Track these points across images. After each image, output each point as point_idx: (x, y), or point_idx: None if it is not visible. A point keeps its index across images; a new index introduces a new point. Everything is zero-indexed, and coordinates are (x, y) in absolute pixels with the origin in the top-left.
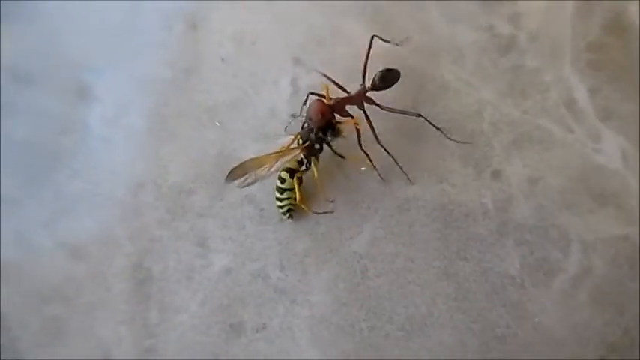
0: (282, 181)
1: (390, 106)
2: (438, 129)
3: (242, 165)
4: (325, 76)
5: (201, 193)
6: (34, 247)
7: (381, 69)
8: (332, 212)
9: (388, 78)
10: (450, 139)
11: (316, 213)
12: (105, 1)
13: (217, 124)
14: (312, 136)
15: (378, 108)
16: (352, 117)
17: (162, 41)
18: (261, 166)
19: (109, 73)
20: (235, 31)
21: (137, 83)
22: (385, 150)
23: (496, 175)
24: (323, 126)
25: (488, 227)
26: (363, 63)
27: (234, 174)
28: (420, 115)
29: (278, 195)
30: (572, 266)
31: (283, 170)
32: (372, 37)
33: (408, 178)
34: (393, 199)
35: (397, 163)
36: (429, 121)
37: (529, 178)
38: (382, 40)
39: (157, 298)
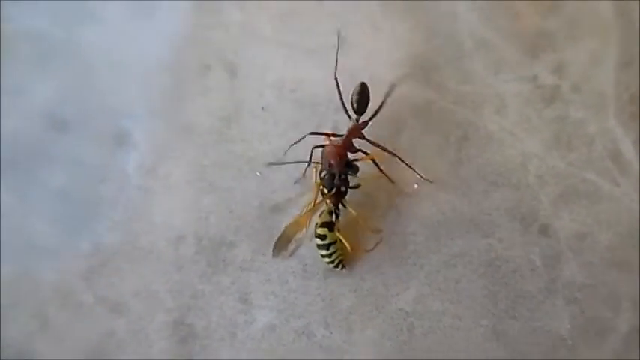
0: (323, 237)
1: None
2: (414, 171)
3: (283, 235)
4: (313, 134)
5: (242, 246)
6: (74, 301)
7: (351, 93)
8: (381, 239)
9: (362, 98)
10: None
11: (369, 250)
12: (143, 45)
13: (258, 174)
14: (337, 181)
15: None
16: (365, 152)
17: (201, 89)
18: (298, 229)
19: (147, 120)
20: (275, 79)
21: (176, 131)
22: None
23: (544, 229)
24: (344, 167)
25: (537, 284)
26: (339, 100)
27: (280, 247)
28: (395, 155)
29: (324, 252)
30: (623, 325)
31: (319, 227)
32: (337, 79)
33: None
34: (439, 255)
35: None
36: (403, 161)
37: (577, 234)
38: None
39: (200, 356)
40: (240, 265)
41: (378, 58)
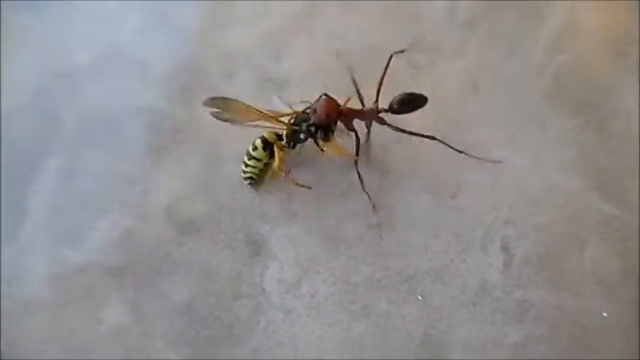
0: (255, 148)
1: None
2: (458, 151)
3: (227, 100)
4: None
5: None
6: None
7: (403, 92)
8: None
9: (408, 102)
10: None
11: (297, 184)
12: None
13: (419, 297)
14: (304, 126)
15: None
16: (356, 132)
17: (347, 190)
18: (242, 114)
19: (286, 224)
20: (430, 181)
21: (321, 239)
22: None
23: None
24: (321, 125)
25: None
26: (380, 78)
27: (216, 104)
28: (434, 138)
29: (246, 159)
30: None
31: (259, 138)
32: (391, 55)
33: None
34: None
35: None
36: (445, 143)
37: None
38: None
39: None
40: None
41: (547, 159)
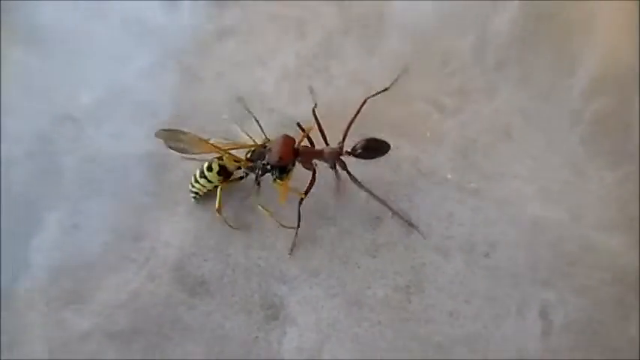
0: (209, 168)
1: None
2: (410, 224)
3: (178, 133)
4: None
5: None
6: None
7: (368, 137)
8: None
9: (372, 148)
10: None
11: (218, 212)
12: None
13: None
14: (259, 162)
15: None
16: (315, 171)
17: (373, 248)
18: (196, 146)
19: (308, 285)
20: (464, 240)
21: (344, 302)
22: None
23: None
24: (275, 165)
25: None
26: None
27: (170, 137)
28: (385, 204)
29: (197, 176)
30: None
31: (218, 161)
32: (365, 100)
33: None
34: None
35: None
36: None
37: None
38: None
39: None
40: None
41: (585, 215)
